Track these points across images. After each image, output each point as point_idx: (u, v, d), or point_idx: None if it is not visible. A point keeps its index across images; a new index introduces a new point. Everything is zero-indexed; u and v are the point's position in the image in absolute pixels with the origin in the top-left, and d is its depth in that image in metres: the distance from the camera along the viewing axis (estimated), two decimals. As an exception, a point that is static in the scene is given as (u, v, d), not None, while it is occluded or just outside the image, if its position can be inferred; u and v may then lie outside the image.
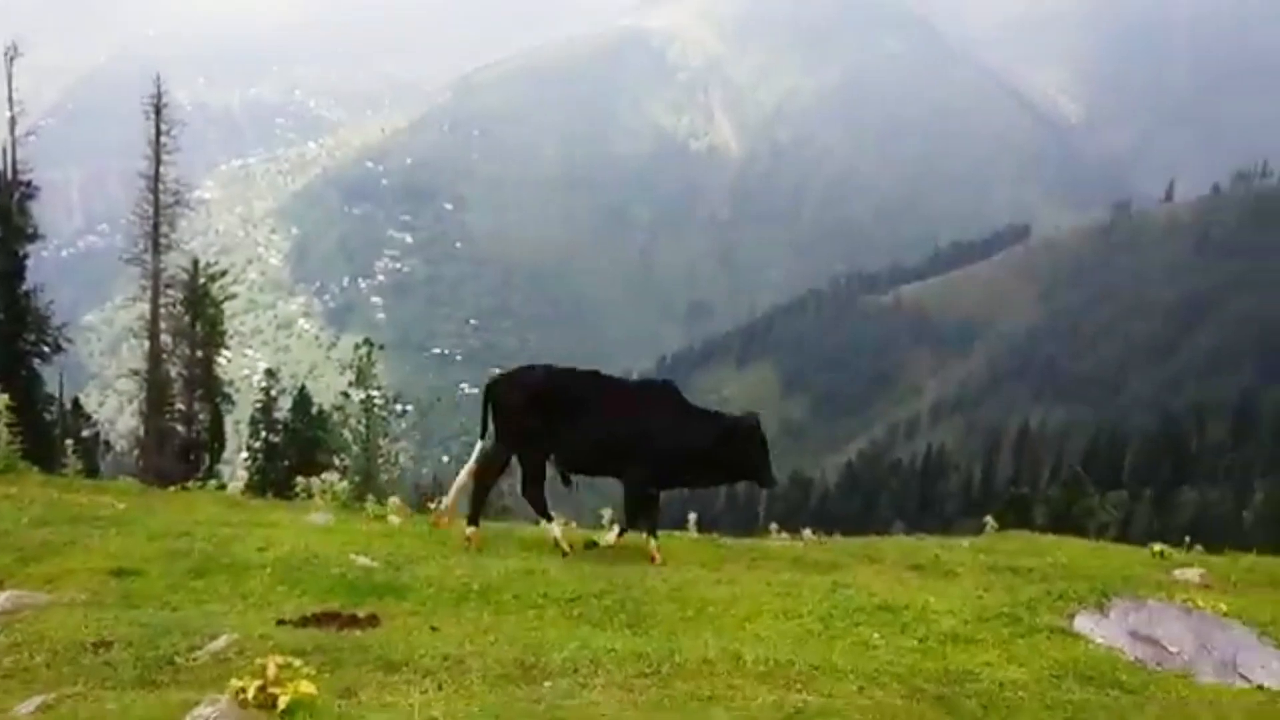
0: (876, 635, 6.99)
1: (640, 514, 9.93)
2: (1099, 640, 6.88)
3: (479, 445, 10.06)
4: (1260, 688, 6.34)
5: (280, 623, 7.01)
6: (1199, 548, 15.71)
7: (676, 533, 12.88)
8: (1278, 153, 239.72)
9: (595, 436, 9.70)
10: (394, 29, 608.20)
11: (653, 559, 9.62)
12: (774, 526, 16.27)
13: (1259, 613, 7.22)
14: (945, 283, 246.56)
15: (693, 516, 15.91)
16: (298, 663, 4.86)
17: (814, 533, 13.72)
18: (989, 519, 17.81)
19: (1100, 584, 7.86)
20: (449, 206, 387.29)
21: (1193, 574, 9.96)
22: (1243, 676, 6.45)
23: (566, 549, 9.80)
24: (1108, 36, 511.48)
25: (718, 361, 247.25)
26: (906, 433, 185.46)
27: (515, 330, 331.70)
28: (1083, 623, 7.11)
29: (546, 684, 5.72)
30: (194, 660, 6.02)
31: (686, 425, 9.76)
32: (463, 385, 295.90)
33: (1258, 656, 6.58)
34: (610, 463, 9.92)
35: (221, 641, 6.24)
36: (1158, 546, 11.20)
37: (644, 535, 9.89)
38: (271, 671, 4.69)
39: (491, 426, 9.93)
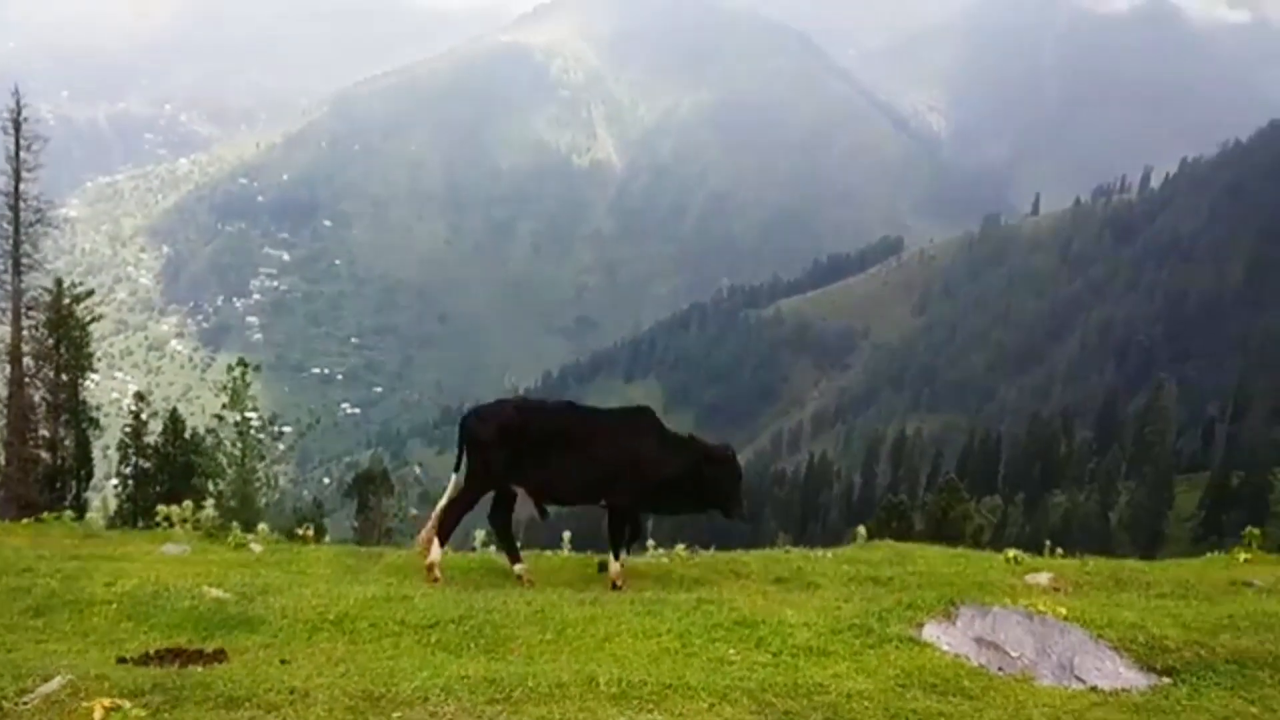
0: (732, 651, 7.06)
1: (624, 537, 9.91)
2: (945, 648, 7.06)
3: (453, 478, 9.94)
4: (1094, 689, 6.58)
5: (121, 661, 6.74)
6: (1059, 551, 16.31)
7: (548, 552, 12.84)
8: (1135, 169, 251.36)
9: (577, 466, 9.63)
10: (269, 42, 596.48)
11: (615, 584, 9.64)
12: (650, 543, 16.28)
13: (1096, 615, 7.48)
14: (824, 295, 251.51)
15: (567, 534, 15.78)
16: (128, 704, 4.69)
17: (687, 548, 13.79)
18: (860, 529, 18.28)
19: (952, 592, 8.07)
20: (328, 223, 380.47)
21: (1043, 578, 10.31)
22: (1078, 678, 6.69)
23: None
24: (977, 57, 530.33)
25: (604, 376, 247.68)
26: (790, 443, 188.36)
27: (399, 348, 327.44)
28: (931, 631, 7.29)
29: (395, 714, 5.62)
30: (23, 704, 5.74)
31: (667, 452, 9.76)
32: (344, 405, 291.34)
33: (1093, 659, 6.84)
34: (591, 491, 9.83)
35: (55, 683, 5.96)
36: (1012, 552, 11.57)
37: (614, 557, 9.87)
38: (98, 715, 4.51)
39: (464, 461, 9.82)
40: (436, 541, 9.81)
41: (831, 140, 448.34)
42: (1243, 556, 11.90)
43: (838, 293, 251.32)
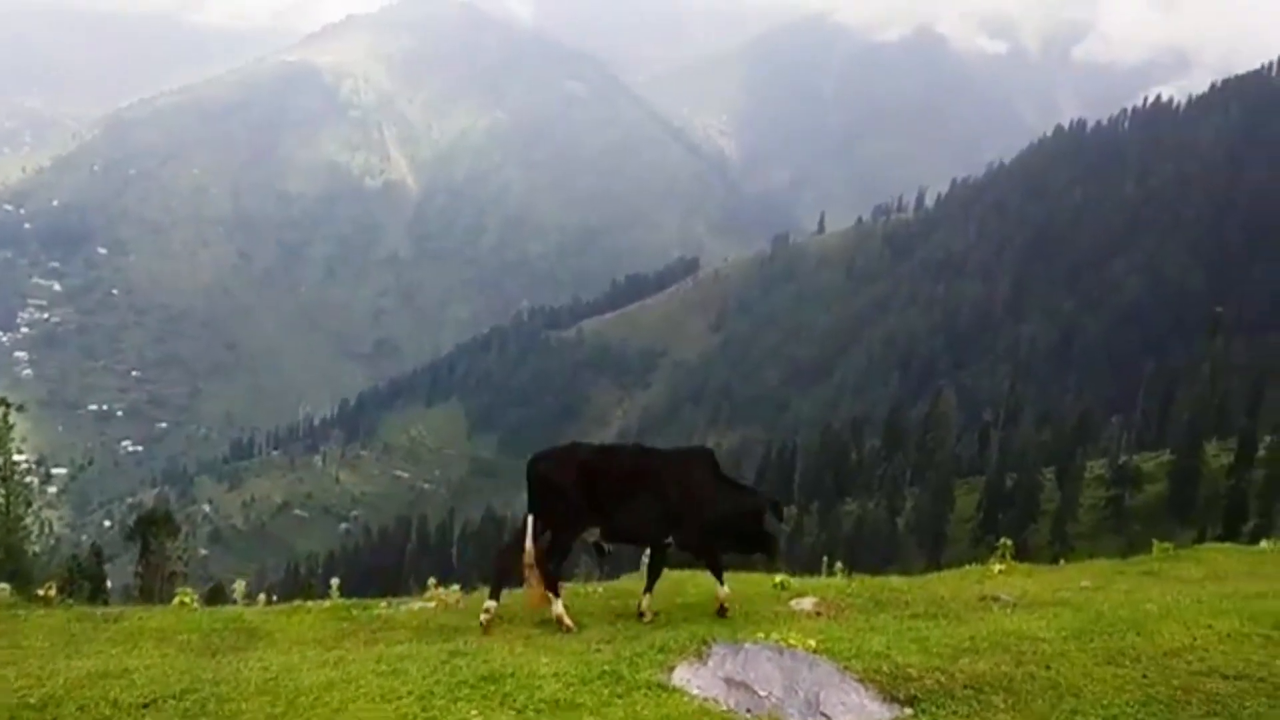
0: (475, 711, 6.69)
1: (659, 573, 10.30)
2: (695, 691, 6.91)
3: (529, 520, 9.74)
4: (837, 725, 6.54)
5: None
6: (838, 566, 16.59)
7: (311, 603, 12.12)
8: (911, 189, 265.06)
9: (645, 505, 9.77)
10: (35, 61, 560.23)
11: (641, 614, 9.97)
12: (431, 581, 15.60)
13: (847, 645, 7.50)
14: (624, 315, 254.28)
15: (335, 581, 14.95)
16: None
17: (460, 588, 13.33)
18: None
19: (705, 630, 7.94)
20: (103, 251, 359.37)
21: (807, 603, 10.37)
22: (824, 715, 6.64)
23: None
24: (762, 84, 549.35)
25: (405, 401, 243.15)
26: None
27: (185, 380, 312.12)
28: (682, 674, 7.12)
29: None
30: None
31: (727, 494, 10.07)
32: (124, 443, 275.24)
33: (838, 693, 6.81)
34: (659, 530, 10.04)
35: None
36: (779, 578, 11.62)
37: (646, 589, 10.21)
38: None
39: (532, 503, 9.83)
40: (551, 595, 9.72)
41: (626, 163, 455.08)
42: (997, 568, 12.34)
43: (637, 313, 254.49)
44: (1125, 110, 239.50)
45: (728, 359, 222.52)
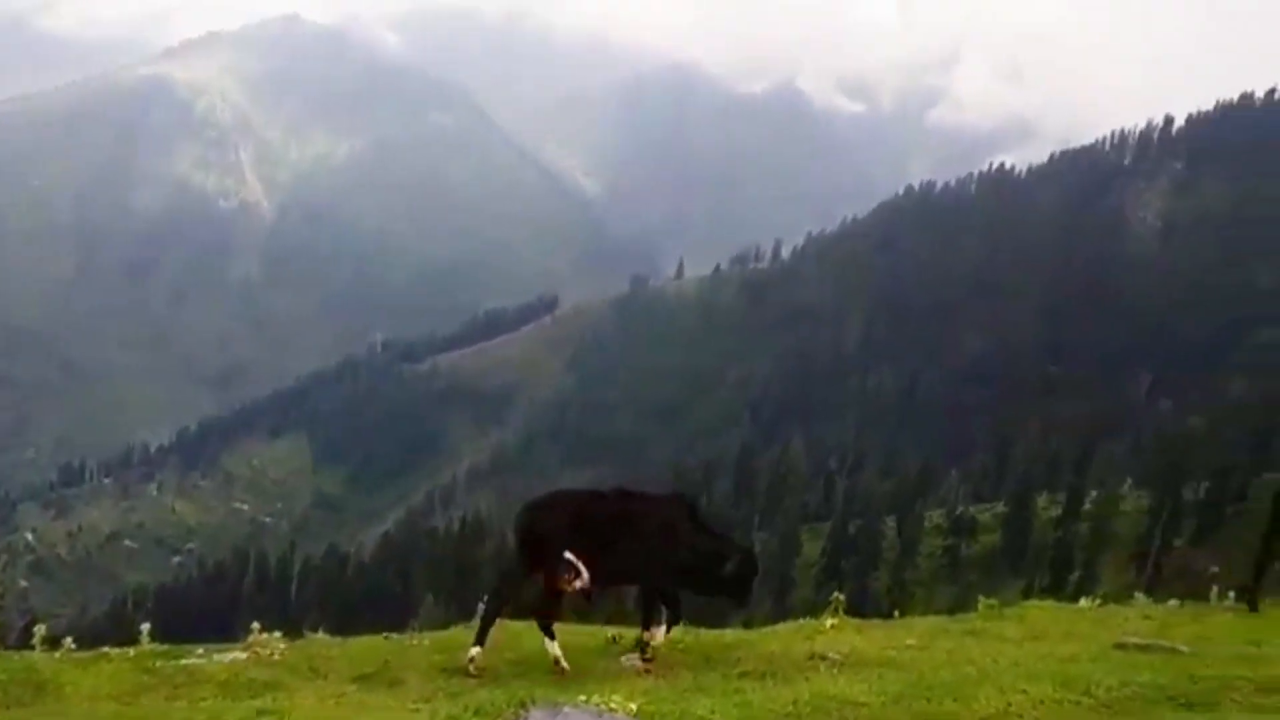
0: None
1: (657, 609, 10.27)
2: (508, 761, 6.63)
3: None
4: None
5: None
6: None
7: (115, 651, 11.29)
8: (769, 238, 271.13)
9: (630, 552, 9.91)
10: None
11: (645, 654, 10.10)
12: (255, 626, 14.74)
13: (671, 707, 7.30)
14: (481, 351, 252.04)
15: (146, 626, 13.98)
16: None
17: (284, 636, 12.68)
18: (482, 602, 16.77)
19: (527, 691, 7.68)
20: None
21: (637, 660, 10.19)
22: (639, 784, 6.45)
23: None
24: (629, 127, 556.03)
25: (249, 431, 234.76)
26: (444, 500, 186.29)
27: (14, 403, 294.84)
28: (497, 741, 6.84)
29: None
30: None
31: (705, 540, 10.23)
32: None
33: (656, 760, 6.63)
34: (636, 573, 10.25)
35: None
36: (611, 632, 11.41)
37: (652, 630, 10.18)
38: None
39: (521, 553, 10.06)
40: (550, 640, 9.85)
41: (489, 197, 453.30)
42: (829, 622, 12.38)
43: (494, 348, 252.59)
44: (972, 174, 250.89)
45: (584, 398, 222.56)
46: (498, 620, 10.20)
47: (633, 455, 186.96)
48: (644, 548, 9.97)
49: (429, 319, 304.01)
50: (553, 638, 9.93)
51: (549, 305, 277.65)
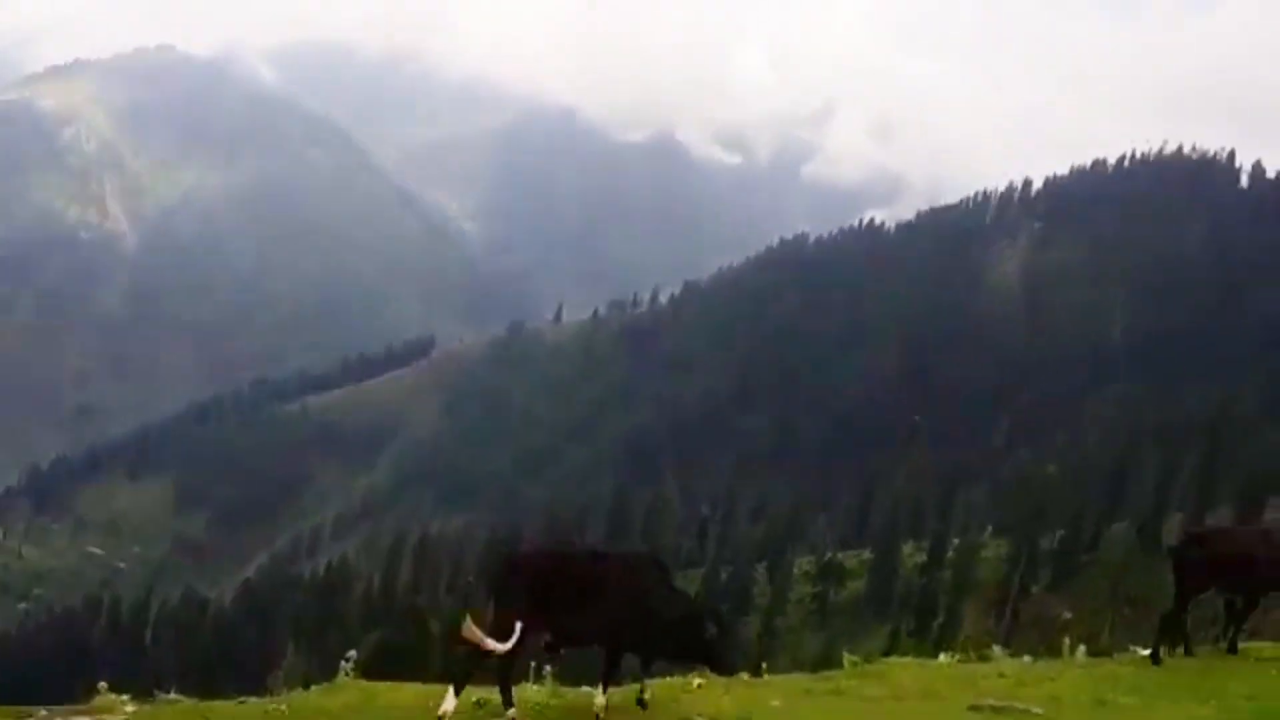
0: None
1: (617, 672, 10.39)
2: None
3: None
4: None
5: None
6: (546, 669, 16.17)
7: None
8: (646, 285, 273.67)
9: (595, 611, 9.86)
10: None
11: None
12: (103, 685, 14.02)
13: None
14: (353, 393, 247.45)
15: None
16: None
17: (133, 697, 12.18)
18: (349, 659, 15.85)
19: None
20: None
21: (503, 721, 10.06)
22: None
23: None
24: (507, 171, 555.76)
25: (107, 472, 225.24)
26: (310, 545, 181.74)
27: None
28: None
29: None
30: None
31: (671, 601, 10.22)
32: None
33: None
34: (604, 634, 10.10)
35: None
36: (476, 696, 11.23)
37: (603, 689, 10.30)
38: None
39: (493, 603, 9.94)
40: (509, 701, 10.02)
41: (365, 236, 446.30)
42: (696, 682, 12.42)
43: (367, 390, 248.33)
44: (843, 229, 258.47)
45: (458, 441, 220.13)
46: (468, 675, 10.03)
47: (506, 499, 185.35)
48: (612, 611, 9.95)
49: (300, 359, 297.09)
50: (511, 705, 10.03)
51: (425, 347, 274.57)
